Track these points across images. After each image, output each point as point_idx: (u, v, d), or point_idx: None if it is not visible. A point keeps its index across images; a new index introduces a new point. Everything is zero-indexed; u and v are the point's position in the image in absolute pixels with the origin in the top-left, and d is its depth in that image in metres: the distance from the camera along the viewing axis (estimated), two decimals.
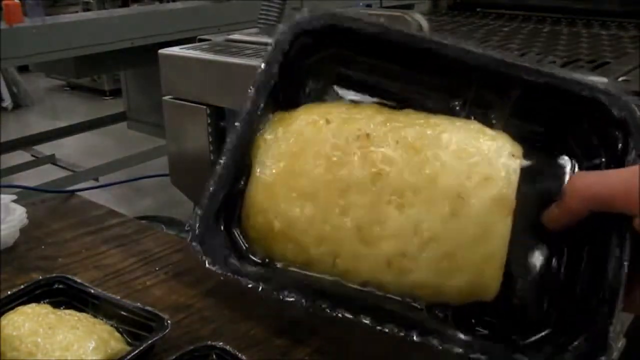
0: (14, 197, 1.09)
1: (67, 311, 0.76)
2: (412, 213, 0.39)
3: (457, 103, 0.47)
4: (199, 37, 1.16)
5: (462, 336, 0.41)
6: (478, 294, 0.40)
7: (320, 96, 0.50)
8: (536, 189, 0.45)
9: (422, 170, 0.40)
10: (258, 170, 0.44)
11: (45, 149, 3.42)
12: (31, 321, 0.71)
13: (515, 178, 0.41)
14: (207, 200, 0.45)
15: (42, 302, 0.78)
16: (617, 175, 0.37)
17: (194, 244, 0.45)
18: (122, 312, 0.76)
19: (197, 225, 0.44)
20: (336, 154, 0.42)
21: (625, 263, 0.38)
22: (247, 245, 0.47)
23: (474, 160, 0.41)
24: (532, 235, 0.45)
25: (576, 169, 0.45)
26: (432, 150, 0.41)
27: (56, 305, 0.77)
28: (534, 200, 0.44)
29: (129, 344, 0.73)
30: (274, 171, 0.43)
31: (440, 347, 0.40)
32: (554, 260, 0.45)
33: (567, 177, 0.45)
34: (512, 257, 0.41)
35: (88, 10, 3.62)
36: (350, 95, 0.49)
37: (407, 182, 0.40)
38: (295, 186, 0.42)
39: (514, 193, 0.41)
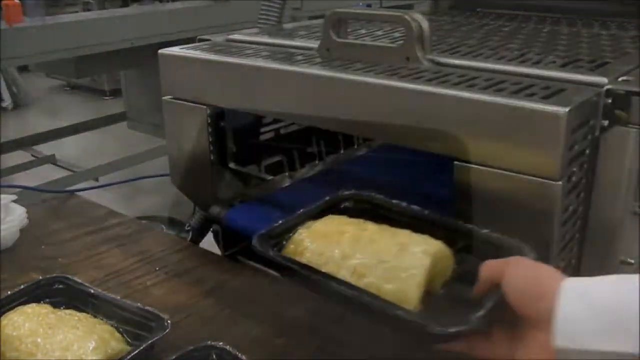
0: (14, 197, 1.10)
1: (67, 311, 0.76)
2: (376, 248, 0.67)
3: None
4: (199, 37, 1.16)
5: None
6: (403, 300, 0.61)
7: None
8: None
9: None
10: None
11: (45, 149, 3.42)
12: (31, 321, 0.71)
13: (441, 246, 0.67)
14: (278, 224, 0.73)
15: (42, 302, 0.78)
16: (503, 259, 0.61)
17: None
18: (122, 312, 0.77)
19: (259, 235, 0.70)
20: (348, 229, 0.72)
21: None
22: None
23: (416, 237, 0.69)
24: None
25: None
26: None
27: (56, 305, 0.77)
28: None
29: (129, 344, 0.73)
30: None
31: None
32: None
33: None
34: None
35: (88, 10, 3.60)
36: None
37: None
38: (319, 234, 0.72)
39: (435, 248, 0.66)
